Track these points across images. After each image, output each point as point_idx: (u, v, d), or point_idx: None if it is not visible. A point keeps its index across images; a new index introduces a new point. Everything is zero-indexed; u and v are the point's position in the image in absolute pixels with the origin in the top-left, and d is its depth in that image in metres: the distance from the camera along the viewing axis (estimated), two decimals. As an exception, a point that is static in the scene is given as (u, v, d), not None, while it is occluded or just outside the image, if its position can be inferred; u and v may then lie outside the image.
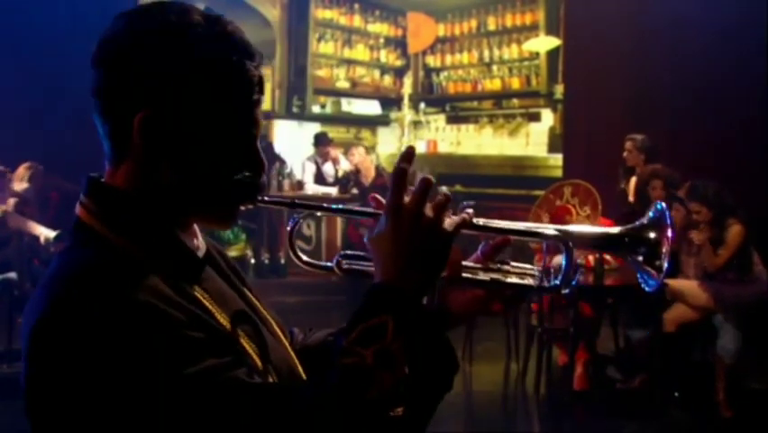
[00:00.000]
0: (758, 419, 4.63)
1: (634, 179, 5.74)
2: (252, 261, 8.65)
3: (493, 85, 9.85)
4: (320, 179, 8.72)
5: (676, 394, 4.73)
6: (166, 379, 0.84)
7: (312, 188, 8.64)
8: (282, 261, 8.53)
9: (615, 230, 1.14)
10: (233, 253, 9.02)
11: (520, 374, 5.43)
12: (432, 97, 10.55)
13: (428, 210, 0.99)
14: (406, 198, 0.99)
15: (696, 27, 6.33)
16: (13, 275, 5.70)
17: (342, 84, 10.34)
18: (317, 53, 10.19)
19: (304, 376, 1.10)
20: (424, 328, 0.95)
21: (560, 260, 1.12)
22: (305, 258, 1.15)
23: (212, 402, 0.85)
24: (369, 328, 0.92)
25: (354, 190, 8.24)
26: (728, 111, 6.17)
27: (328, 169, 8.72)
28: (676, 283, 4.86)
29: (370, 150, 10.03)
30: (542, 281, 1.12)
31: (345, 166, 8.64)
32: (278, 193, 8.45)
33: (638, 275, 1.12)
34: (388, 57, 10.60)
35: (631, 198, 5.72)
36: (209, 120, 0.98)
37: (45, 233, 5.64)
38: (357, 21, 10.37)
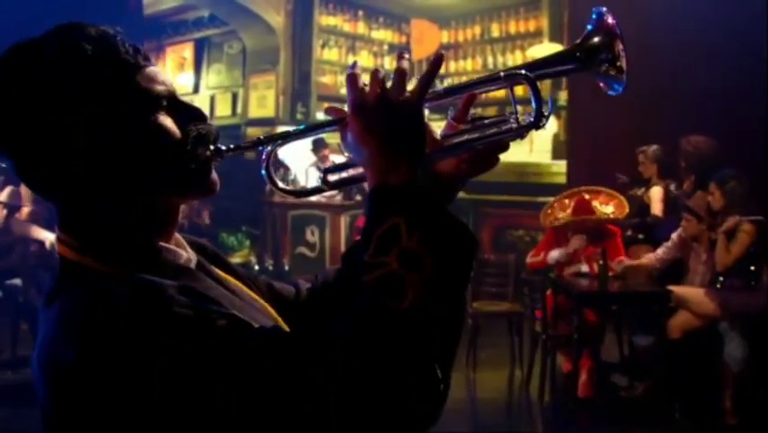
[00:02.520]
0: (764, 427, 4.61)
1: (656, 190, 5.62)
2: (256, 267, 8.66)
3: (497, 91, 9.83)
4: (325, 184, 8.72)
5: (677, 406, 4.69)
6: (223, 373, 0.83)
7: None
8: (286, 267, 8.54)
9: (566, 48, 1.14)
10: (236, 259, 9.03)
11: (524, 381, 5.42)
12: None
13: (388, 91, 0.96)
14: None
15: (699, 33, 6.32)
16: (17, 282, 5.70)
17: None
18: (321, 60, 10.21)
19: None
20: (432, 213, 0.92)
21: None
22: (281, 185, 1.15)
23: (266, 368, 0.84)
24: (382, 236, 0.89)
25: (358, 197, 8.25)
26: (733, 117, 6.15)
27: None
28: (681, 290, 4.83)
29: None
30: (518, 122, 1.12)
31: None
32: (281, 200, 8.46)
33: (608, 86, 1.12)
34: (392, 63, 10.60)
35: (658, 213, 5.58)
36: (116, 114, 0.95)
37: (50, 237, 5.65)
38: (361, 27, 10.39)
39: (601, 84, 1.12)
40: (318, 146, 8.80)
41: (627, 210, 5.34)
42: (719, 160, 5.16)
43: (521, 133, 1.12)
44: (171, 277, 0.94)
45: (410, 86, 0.98)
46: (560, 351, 5.34)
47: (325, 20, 10.17)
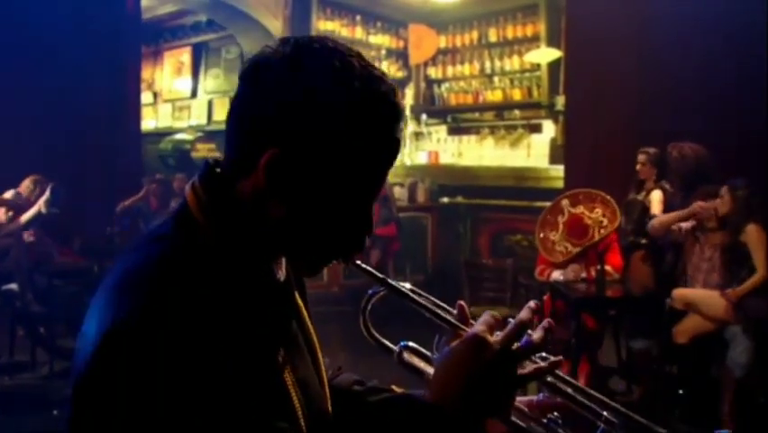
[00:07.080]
0: None
1: (656, 193, 5.58)
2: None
3: (494, 96, 9.87)
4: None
5: (675, 411, 4.66)
6: (216, 422, 0.81)
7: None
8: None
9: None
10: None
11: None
12: (433, 109, 10.56)
13: (512, 351, 0.98)
14: (497, 337, 0.99)
15: (698, 37, 6.33)
16: (14, 286, 5.68)
17: (344, 95, 10.35)
18: (319, 65, 10.20)
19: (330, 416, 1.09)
20: None
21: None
22: (376, 334, 1.14)
23: None
24: None
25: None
26: (731, 121, 6.16)
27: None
28: (690, 293, 4.73)
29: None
30: None
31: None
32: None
33: None
34: (389, 68, 10.61)
35: (658, 213, 5.53)
36: (338, 178, 0.93)
37: (40, 203, 5.73)
38: (358, 32, 10.39)
39: None
40: None
41: (619, 215, 5.33)
42: (704, 167, 5.13)
43: None
44: (260, 290, 0.94)
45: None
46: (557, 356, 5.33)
47: (323, 25, 10.17)
